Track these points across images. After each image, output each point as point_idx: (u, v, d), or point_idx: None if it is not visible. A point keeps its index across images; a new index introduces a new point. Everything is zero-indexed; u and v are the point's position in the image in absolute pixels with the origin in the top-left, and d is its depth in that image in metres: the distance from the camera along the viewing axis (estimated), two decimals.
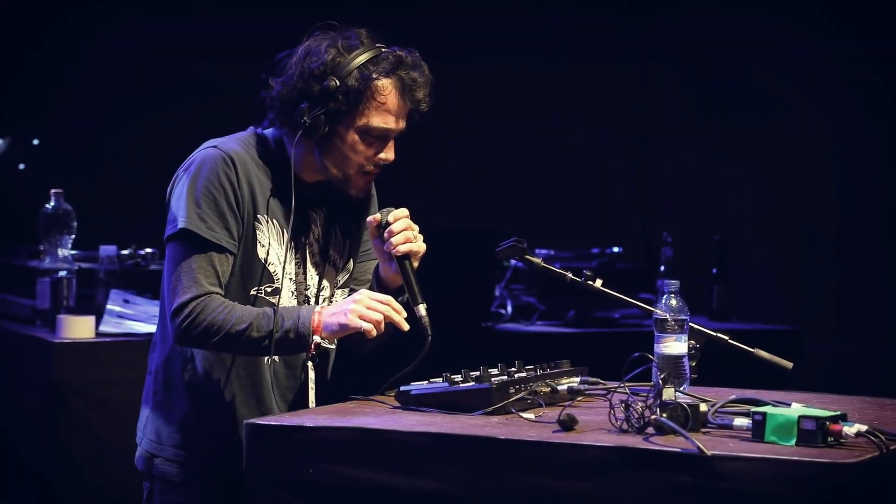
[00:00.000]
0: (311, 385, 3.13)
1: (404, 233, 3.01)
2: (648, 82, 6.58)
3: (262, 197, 3.04)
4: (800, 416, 2.39)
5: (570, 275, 3.16)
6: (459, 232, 4.75)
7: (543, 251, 4.68)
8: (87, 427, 4.10)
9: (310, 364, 3.11)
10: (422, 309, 2.99)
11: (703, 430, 2.51)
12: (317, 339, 2.93)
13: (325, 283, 3.16)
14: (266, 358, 3.02)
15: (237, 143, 3.06)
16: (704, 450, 2.30)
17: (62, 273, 4.27)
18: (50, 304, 4.27)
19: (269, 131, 3.12)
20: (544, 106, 6.50)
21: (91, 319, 4.18)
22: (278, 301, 3.02)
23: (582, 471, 2.41)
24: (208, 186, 2.98)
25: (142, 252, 4.79)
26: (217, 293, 2.95)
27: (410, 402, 2.82)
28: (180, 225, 2.95)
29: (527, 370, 2.95)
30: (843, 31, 6.26)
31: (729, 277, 4.87)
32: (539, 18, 6.47)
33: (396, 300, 2.97)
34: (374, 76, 2.98)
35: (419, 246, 3.03)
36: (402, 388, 2.86)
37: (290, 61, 3.05)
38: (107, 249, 4.41)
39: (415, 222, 3.05)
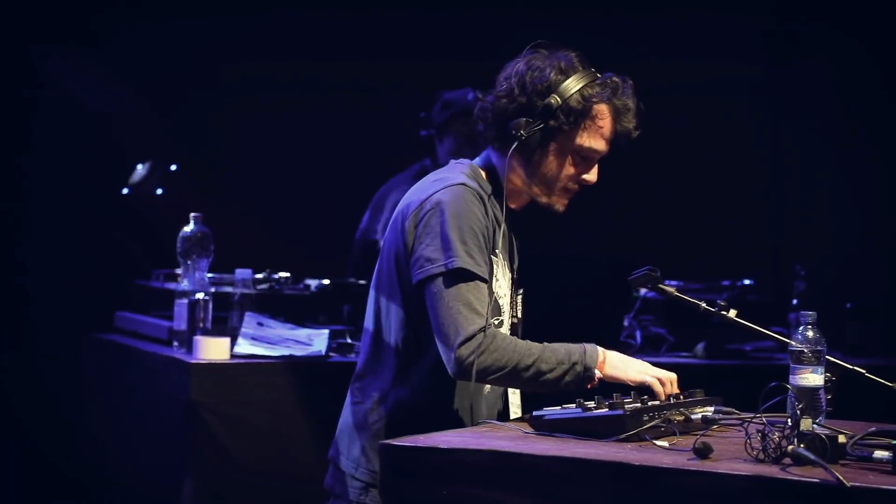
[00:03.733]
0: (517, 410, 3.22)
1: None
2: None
3: (493, 230, 3.09)
4: None
5: (705, 305, 3.15)
6: (589, 260, 4.74)
7: (673, 282, 4.64)
8: (221, 447, 4.15)
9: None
10: None
11: (842, 462, 2.48)
12: (598, 374, 2.98)
13: (515, 311, 3.23)
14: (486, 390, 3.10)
15: (469, 178, 3.10)
16: (844, 481, 2.27)
17: (199, 295, 4.34)
18: (187, 326, 4.35)
19: (478, 161, 3.19)
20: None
21: (227, 341, 4.25)
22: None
23: (718, 499, 2.39)
24: (469, 223, 3.01)
25: (276, 276, 4.86)
26: (491, 325, 2.97)
27: (544, 427, 2.83)
28: (455, 264, 2.95)
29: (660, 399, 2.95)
30: None
31: (865, 311, 4.81)
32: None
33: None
34: (595, 100, 3.07)
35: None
36: (535, 413, 2.87)
37: (505, 76, 3.12)
38: (242, 273, 4.48)
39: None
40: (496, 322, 3.07)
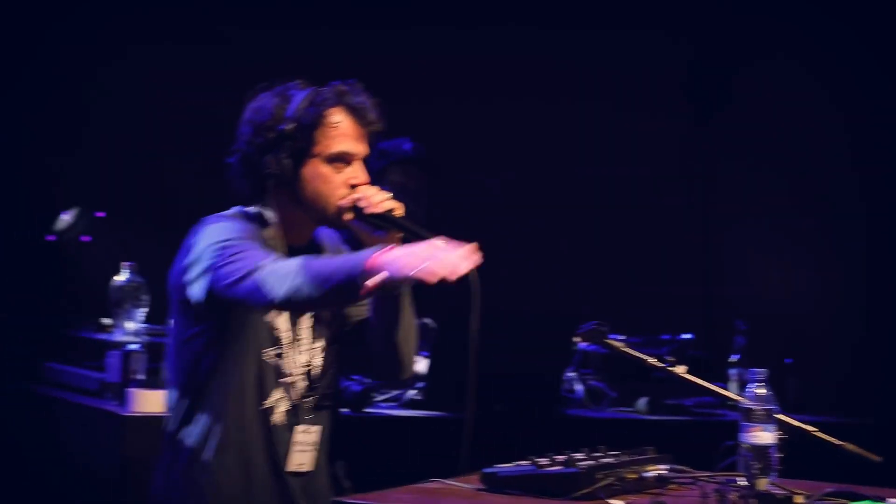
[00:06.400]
0: (308, 448, 3.17)
1: (378, 194, 3.09)
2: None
3: None
4: None
5: (652, 360, 3.14)
6: (529, 315, 4.72)
7: (614, 336, 4.63)
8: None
9: (306, 428, 3.16)
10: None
11: None
12: (377, 278, 2.75)
13: (319, 342, 3.22)
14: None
15: (228, 216, 3.16)
16: None
17: (132, 346, 4.25)
18: (120, 378, 4.25)
19: (248, 209, 3.20)
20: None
21: (161, 393, 4.14)
22: (284, 363, 3.12)
23: None
24: (230, 231, 3.05)
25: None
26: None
27: (496, 485, 2.79)
28: (209, 263, 2.99)
29: (612, 455, 2.91)
30: None
31: (805, 368, 4.82)
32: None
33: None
34: (323, 107, 3.10)
35: (398, 202, 3.10)
36: (486, 470, 2.83)
37: (238, 130, 3.16)
38: None
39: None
40: (274, 353, 3.11)
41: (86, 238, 5.99)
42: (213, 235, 3.03)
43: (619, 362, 4.58)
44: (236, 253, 2.95)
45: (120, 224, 6.04)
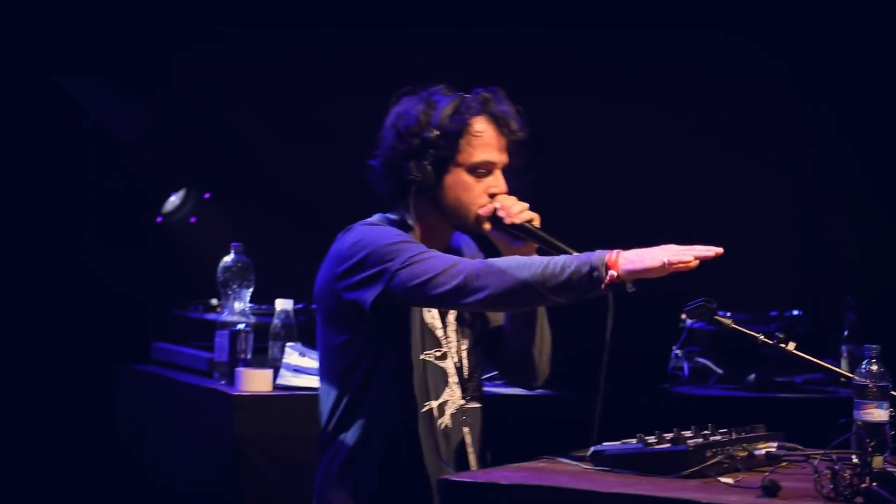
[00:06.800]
0: (470, 448, 3.19)
1: (517, 205, 3.12)
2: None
3: None
4: None
5: (762, 337, 3.09)
6: (637, 293, 4.68)
7: (721, 313, 4.58)
8: (263, 480, 4.09)
9: (465, 429, 3.18)
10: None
11: None
12: (613, 273, 2.86)
13: (466, 342, 3.25)
14: (440, 423, 3.12)
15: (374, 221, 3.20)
16: None
17: (241, 326, 4.29)
18: (228, 357, 4.30)
19: (389, 214, 3.24)
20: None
21: (269, 373, 4.19)
22: (446, 364, 3.15)
23: None
24: (391, 234, 3.09)
25: (315, 306, 4.81)
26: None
27: (603, 463, 2.77)
28: (407, 255, 3.01)
29: (721, 434, 2.88)
30: None
31: None
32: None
33: None
34: (467, 116, 3.12)
35: (534, 213, 3.14)
36: (594, 448, 2.82)
37: (382, 133, 3.20)
38: (283, 303, 4.43)
39: None
40: (437, 354, 3.12)
41: (193, 219, 6.06)
42: (376, 239, 3.06)
43: (726, 339, 4.53)
44: (417, 254, 2.99)
45: (227, 205, 6.11)
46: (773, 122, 6.45)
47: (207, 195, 6.14)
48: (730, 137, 6.33)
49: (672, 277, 6.24)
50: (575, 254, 2.94)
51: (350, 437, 3.12)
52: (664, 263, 2.85)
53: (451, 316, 3.21)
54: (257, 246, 4.74)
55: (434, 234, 3.18)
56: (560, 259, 2.89)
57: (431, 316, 3.15)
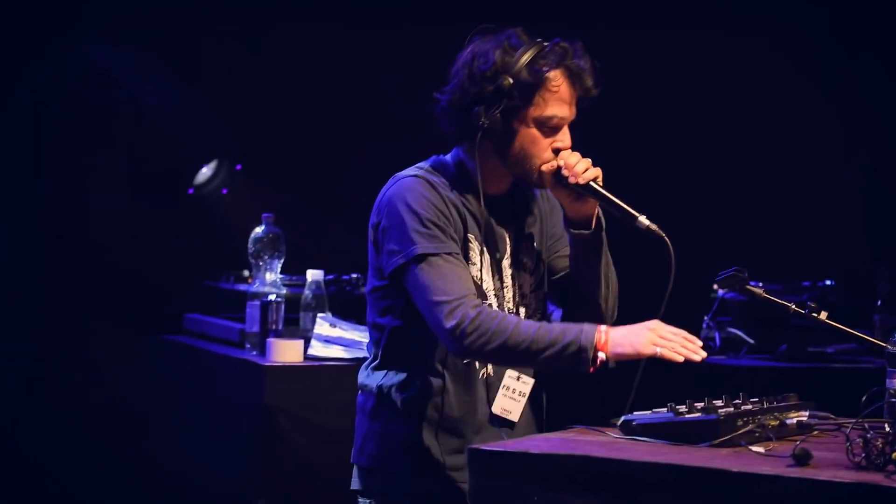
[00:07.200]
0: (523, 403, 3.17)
1: (581, 162, 3.04)
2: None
3: (461, 217, 3.07)
4: None
5: (794, 306, 3.07)
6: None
7: (753, 283, 4.56)
8: (294, 450, 4.12)
9: (509, 372, 3.15)
10: (644, 219, 3.01)
11: None
12: (602, 355, 2.89)
13: (519, 292, 3.19)
14: (482, 373, 3.08)
15: (422, 171, 3.12)
16: None
17: (272, 296, 4.31)
18: (259, 328, 4.31)
19: (446, 156, 3.17)
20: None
21: (300, 343, 4.21)
22: None
23: None
24: (421, 209, 3.01)
25: (347, 277, 4.82)
26: (474, 295, 2.97)
27: (634, 432, 2.76)
28: (416, 252, 2.97)
29: (752, 403, 2.87)
30: None
31: None
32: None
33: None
34: (545, 68, 3.02)
35: (598, 169, 3.06)
36: (625, 418, 2.81)
37: (454, 70, 3.10)
38: (314, 274, 4.44)
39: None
40: (485, 304, 3.05)
41: (225, 190, 6.08)
42: (404, 216, 3.01)
43: (757, 309, 4.51)
44: (435, 257, 2.96)
45: (258, 177, 6.12)
46: (803, 93, 6.41)
47: (239, 167, 6.15)
48: (762, 113, 6.30)
49: (703, 248, 6.24)
50: (571, 329, 2.92)
51: (388, 385, 3.10)
52: (654, 354, 2.90)
53: (507, 262, 3.16)
54: (288, 217, 4.76)
55: (495, 179, 3.11)
56: (553, 331, 2.91)
57: (476, 269, 3.10)
